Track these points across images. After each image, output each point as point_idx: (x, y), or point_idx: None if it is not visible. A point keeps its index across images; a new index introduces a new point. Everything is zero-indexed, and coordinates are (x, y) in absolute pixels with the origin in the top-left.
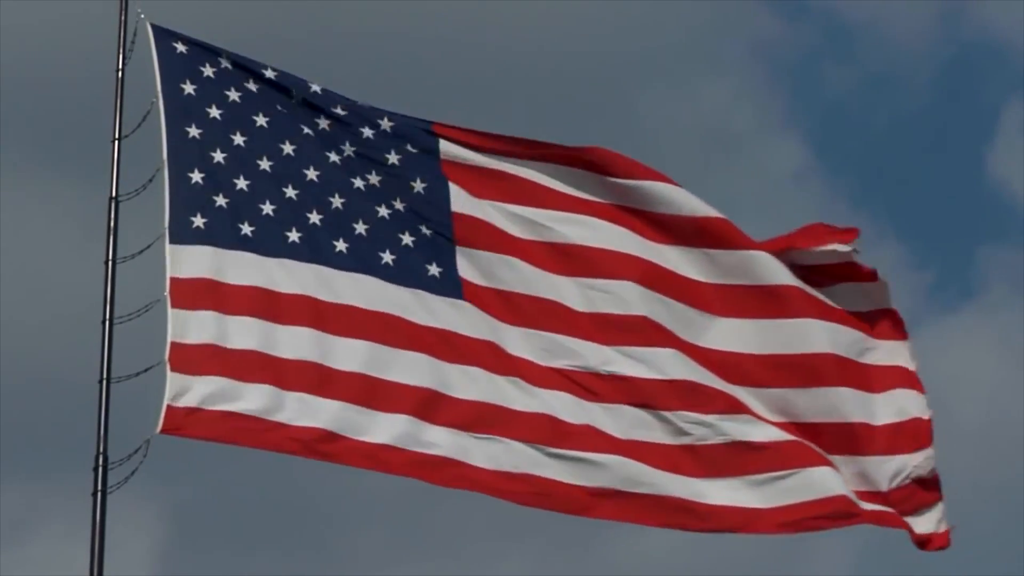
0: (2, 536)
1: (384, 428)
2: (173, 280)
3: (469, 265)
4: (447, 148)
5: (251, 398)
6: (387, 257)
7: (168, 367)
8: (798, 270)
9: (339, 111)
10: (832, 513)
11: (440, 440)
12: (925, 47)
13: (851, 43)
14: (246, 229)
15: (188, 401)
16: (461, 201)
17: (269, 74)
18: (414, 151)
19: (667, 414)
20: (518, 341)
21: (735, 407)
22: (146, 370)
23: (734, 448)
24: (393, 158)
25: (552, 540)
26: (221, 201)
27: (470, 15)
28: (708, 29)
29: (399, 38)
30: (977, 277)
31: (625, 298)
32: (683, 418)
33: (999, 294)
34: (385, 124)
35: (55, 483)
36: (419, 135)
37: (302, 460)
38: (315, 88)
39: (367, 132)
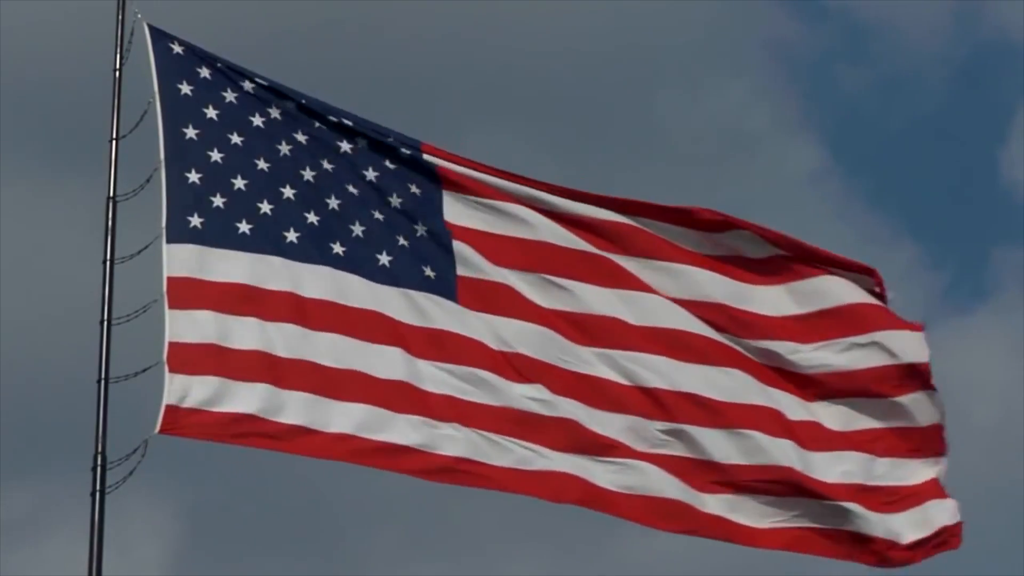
0: (4, 536)
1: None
2: (170, 280)
3: (466, 261)
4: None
5: (250, 398)
6: (383, 259)
7: (166, 367)
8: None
9: (332, 119)
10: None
11: (453, 440)
12: (940, 47)
13: (866, 43)
14: (244, 228)
15: (187, 401)
16: (453, 205)
17: (263, 81)
18: (408, 153)
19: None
20: (517, 335)
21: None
22: (144, 370)
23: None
24: (390, 159)
25: (565, 540)
26: (219, 201)
27: (482, 14)
28: (724, 29)
29: (414, 39)
30: (991, 278)
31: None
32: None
33: (1013, 295)
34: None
35: (57, 483)
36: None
37: (315, 460)
38: (306, 99)
39: (360, 139)
